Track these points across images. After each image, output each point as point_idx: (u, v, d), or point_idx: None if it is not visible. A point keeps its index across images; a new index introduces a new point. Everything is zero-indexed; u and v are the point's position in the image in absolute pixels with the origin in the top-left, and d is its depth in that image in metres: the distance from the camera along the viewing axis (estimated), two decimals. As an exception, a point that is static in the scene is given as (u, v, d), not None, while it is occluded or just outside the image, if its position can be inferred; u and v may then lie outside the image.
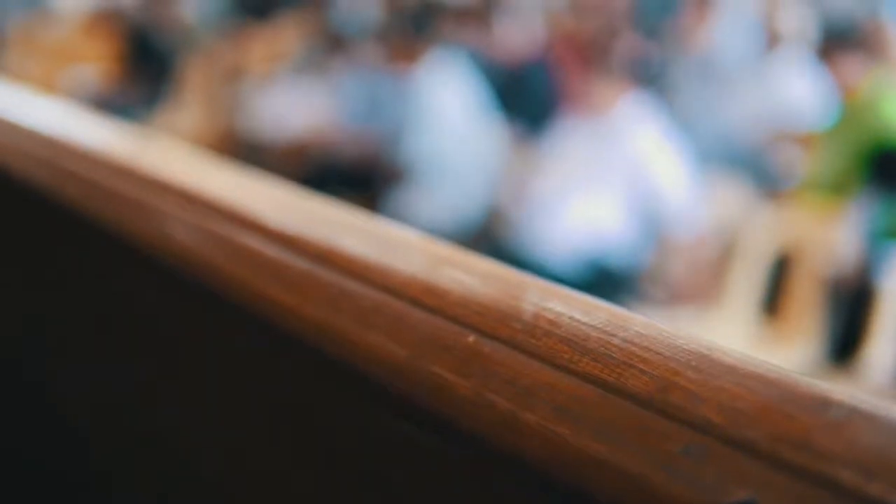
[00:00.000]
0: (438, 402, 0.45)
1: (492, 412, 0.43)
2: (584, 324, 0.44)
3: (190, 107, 6.28)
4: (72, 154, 0.86)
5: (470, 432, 0.44)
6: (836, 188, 3.57)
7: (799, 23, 5.09)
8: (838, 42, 3.79)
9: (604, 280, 3.48)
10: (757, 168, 4.01)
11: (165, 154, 0.81)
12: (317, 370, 0.58)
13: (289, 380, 0.62)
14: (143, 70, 6.46)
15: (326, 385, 0.58)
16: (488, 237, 4.18)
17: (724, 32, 5.24)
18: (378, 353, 0.49)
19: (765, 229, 3.32)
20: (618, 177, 3.60)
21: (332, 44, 5.39)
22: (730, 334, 3.14)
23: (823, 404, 0.35)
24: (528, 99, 5.02)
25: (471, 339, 0.45)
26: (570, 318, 0.44)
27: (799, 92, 4.32)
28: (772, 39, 4.25)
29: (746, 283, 3.27)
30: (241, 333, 0.66)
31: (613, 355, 0.41)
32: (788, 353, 3.07)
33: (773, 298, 3.27)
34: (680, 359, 0.40)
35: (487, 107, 4.70)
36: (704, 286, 3.60)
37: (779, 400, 0.36)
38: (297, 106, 5.48)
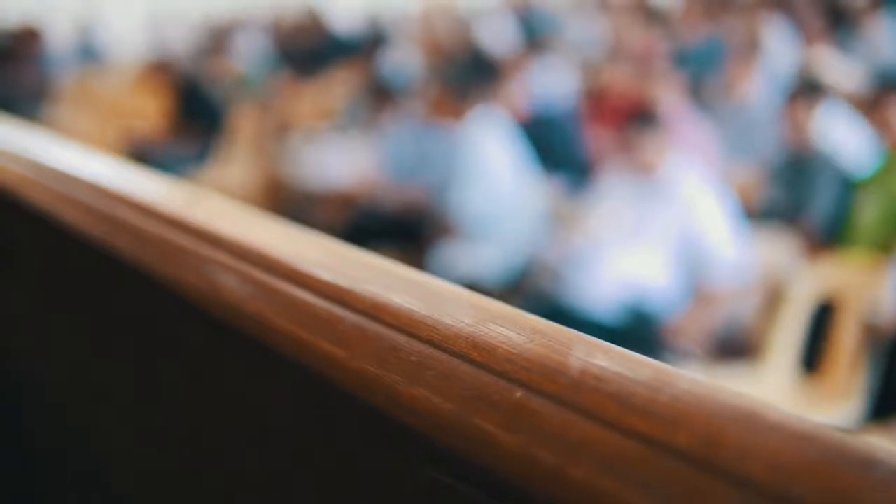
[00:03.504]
0: (485, 456, 0.46)
1: (538, 467, 0.43)
2: (630, 380, 0.44)
3: (239, 158, 6.37)
4: (125, 206, 0.88)
5: (516, 487, 0.44)
6: (879, 239, 3.53)
7: (841, 73, 5.07)
8: (890, 91, 3.78)
9: (647, 333, 3.46)
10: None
11: (216, 207, 0.82)
12: (364, 423, 0.58)
13: (336, 431, 0.63)
14: (195, 123, 6.57)
15: (374, 437, 0.59)
16: (532, 289, 4.17)
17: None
18: (425, 407, 0.49)
19: (807, 283, 3.29)
20: (661, 229, 3.59)
21: (380, 97, 5.45)
22: (772, 390, 3.10)
23: (871, 462, 0.35)
24: (570, 150, 5.04)
25: (518, 394, 0.46)
26: (617, 374, 0.45)
27: (839, 140, 4.31)
28: (812, 90, 4.24)
29: (788, 337, 3.23)
30: (289, 385, 0.67)
31: (660, 412, 0.41)
32: (831, 409, 3.01)
33: (815, 353, 3.23)
34: (726, 416, 0.40)
35: (530, 159, 4.72)
36: (746, 341, 3.57)
37: (826, 458, 0.36)
38: (344, 159, 5.54)
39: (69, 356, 1.09)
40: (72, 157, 1.05)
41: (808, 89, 4.18)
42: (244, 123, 6.42)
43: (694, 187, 3.61)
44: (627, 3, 10.10)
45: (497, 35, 8.85)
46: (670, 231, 3.58)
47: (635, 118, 3.68)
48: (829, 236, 3.87)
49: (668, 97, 4.74)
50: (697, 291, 3.58)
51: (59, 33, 10.13)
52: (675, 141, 3.77)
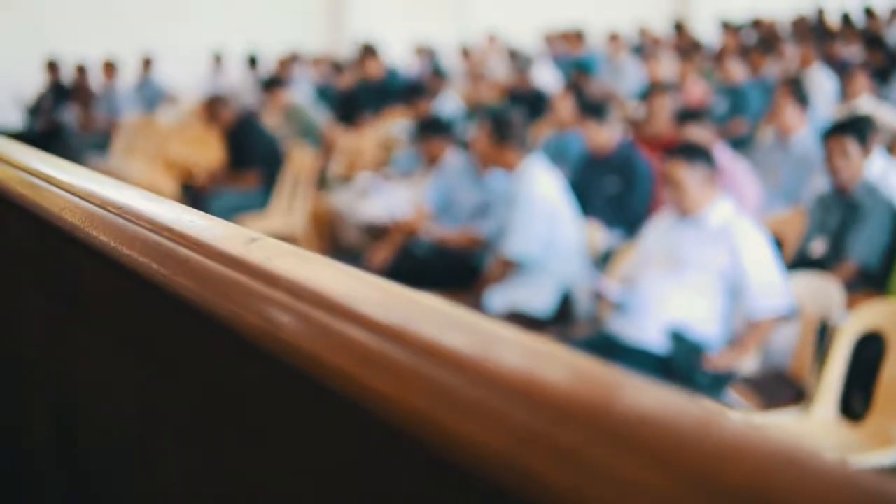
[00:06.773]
0: (536, 496, 0.46)
1: (588, 507, 0.44)
2: (679, 421, 0.45)
3: (296, 198, 6.43)
4: (186, 246, 0.90)
5: (567, 527, 0.45)
6: None
7: (887, 114, 5.01)
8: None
9: (694, 365, 3.43)
10: None
11: (273, 247, 0.84)
12: (417, 461, 0.59)
13: (389, 469, 0.64)
14: (252, 163, 6.63)
15: (428, 477, 0.60)
16: (582, 325, 4.16)
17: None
18: (478, 447, 0.50)
19: (853, 324, 3.23)
20: (705, 264, 3.58)
21: (435, 138, 5.47)
22: (818, 433, 3.04)
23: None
24: (619, 188, 5.03)
25: (568, 434, 0.46)
26: (666, 415, 0.45)
27: (886, 179, 4.27)
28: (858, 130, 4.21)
29: (834, 379, 3.18)
30: (344, 424, 0.68)
31: (708, 453, 0.42)
32: (877, 453, 2.95)
33: (861, 396, 3.18)
34: (774, 459, 0.41)
35: (576, 198, 4.72)
36: (790, 382, 3.52)
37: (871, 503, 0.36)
38: (399, 199, 5.57)
39: (131, 393, 1.11)
40: (134, 197, 1.08)
41: (853, 129, 4.15)
42: (300, 163, 6.48)
43: (737, 223, 3.60)
44: (669, 45, 10.08)
45: (543, 76, 8.86)
46: (714, 267, 3.57)
47: (675, 155, 3.67)
48: (876, 276, 3.82)
49: (709, 137, 4.73)
50: (742, 326, 3.56)
51: (122, 71, 10.35)
52: (717, 179, 3.75)
